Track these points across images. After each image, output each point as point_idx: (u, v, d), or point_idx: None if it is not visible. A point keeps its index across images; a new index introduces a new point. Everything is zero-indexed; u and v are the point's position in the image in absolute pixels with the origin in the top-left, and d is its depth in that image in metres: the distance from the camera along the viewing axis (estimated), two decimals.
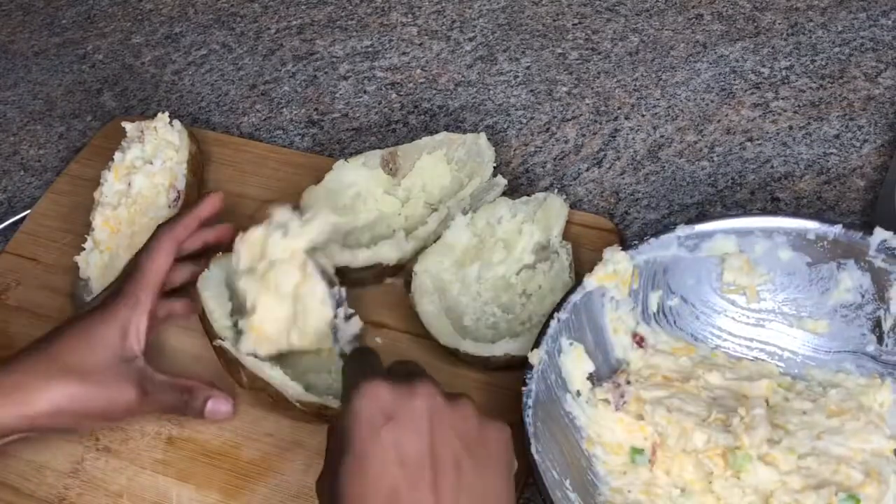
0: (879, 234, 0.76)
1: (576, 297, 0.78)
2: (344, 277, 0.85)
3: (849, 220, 0.77)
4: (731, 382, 0.78)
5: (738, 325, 0.81)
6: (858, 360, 0.78)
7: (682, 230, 0.79)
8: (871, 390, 0.76)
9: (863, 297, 0.78)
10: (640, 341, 0.80)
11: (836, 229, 0.77)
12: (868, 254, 0.76)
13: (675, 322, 0.81)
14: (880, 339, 0.77)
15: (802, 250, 0.79)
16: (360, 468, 0.60)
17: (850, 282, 0.78)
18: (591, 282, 0.78)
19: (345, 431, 0.61)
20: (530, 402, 0.73)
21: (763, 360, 0.80)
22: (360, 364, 0.69)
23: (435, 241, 0.88)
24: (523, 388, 0.73)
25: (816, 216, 0.83)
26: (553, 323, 0.76)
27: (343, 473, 0.60)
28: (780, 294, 0.81)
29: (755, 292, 0.81)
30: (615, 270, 0.79)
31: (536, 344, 0.75)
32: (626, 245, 0.80)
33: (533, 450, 0.70)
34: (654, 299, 0.81)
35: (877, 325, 0.78)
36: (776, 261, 0.80)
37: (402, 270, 0.89)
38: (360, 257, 0.87)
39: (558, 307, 0.77)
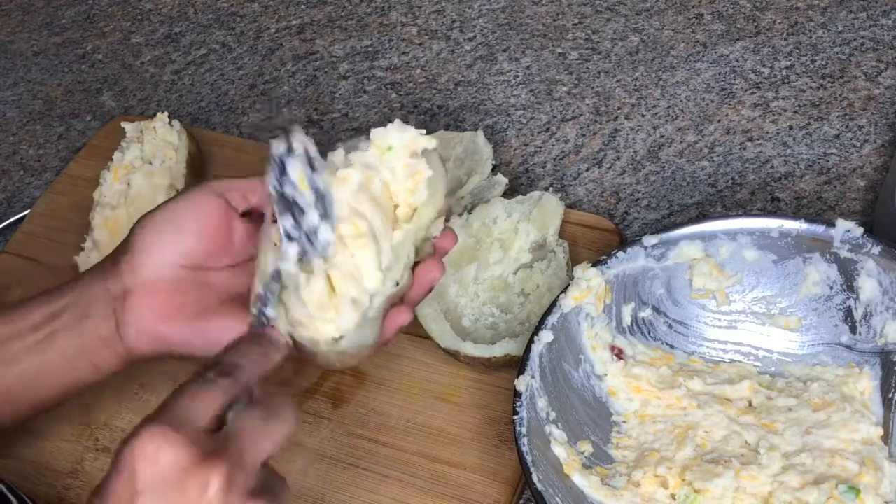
0: (842, 224, 0.76)
1: (552, 319, 0.77)
2: None
3: (850, 219, 0.77)
4: (713, 387, 0.78)
5: (712, 329, 0.81)
6: (834, 351, 0.79)
7: (647, 240, 0.79)
8: (851, 380, 0.77)
9: (831, 288, 0.78)
10: (619, 354, 0.80)
11: (799, 224, 0.78)
12: (833, 245, 0.77)
13: (649, 333, 0.81)
14: (853, 329, 0.78)
15: (767, 248, 0.79)
16: None
17: (818, 275, 0.78)
18: (567, 302, 0.78)
19: (112, 473, 0.53)
20: (524, 430, 0.72)
21: (739, 361, 0.81)
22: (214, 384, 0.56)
23: None
24: (514, 417, 0.73)
25: (780, 214, 0.85)
26: (534, 347, 0.76)
27: None
28: (749, 294, 0.81)
29: (725, 295, 0.81)
30: (588, 287, 0.79)
31: (521, 370, 0.75)
32: (595, 261, 0.79)
33: (535, 479, 0.70)
34: (626, 312, 0.81)
35: (848, 315, 0.78)
36: (742, 262, 0.80)
37: None
38: None
39: (537, 329, 0.77)
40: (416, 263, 0.68)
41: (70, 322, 0.69)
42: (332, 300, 0.64)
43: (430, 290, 0.70)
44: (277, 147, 0.63)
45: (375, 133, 0.67)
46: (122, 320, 0.68)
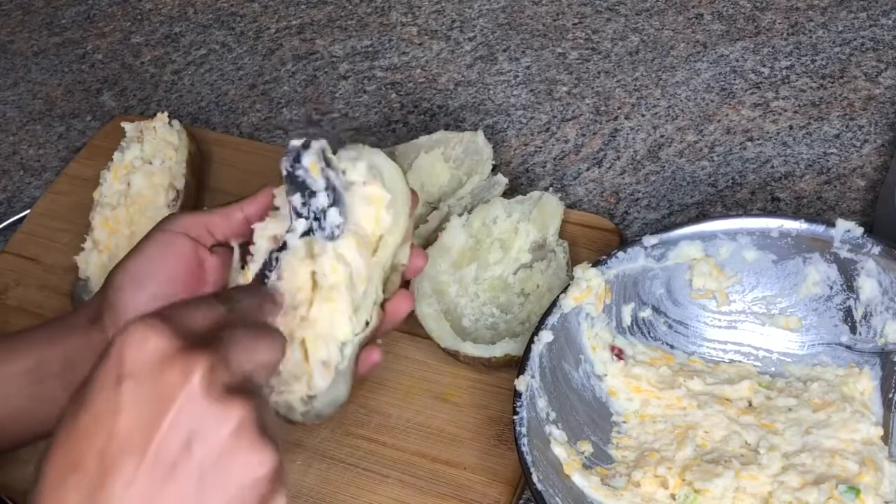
0: (842, 224, 0.77)
1: (552, 319, 0.77)
2: None
3: (850, 219, 0.77)
4: (713, 387, 0.78)
5: (712, 329, 0.81)
6: (834, 351, 0.79)
7: (647, 240, 0.79)
8: (851, 380, 0.77)
9: (831, 288, 0.78)
10: (619, 354, 0.80)
11: (799, 224, 0.78)
12: (833, 245, 0.77)
13: (649, 333, 0.81)
14: (853, 329, 0.78)
15: (767, 248, 0.79)
16: (77, 410, 0.53)
17: (818, 275, 0.79)
18: (567, 303, 0.78)
19: (100, 360, 0.53)
20: (524, 430, 0.72)
21: (739, 361, 0.81)
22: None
23: (436, 241, 0.88)
24: (514, 417, 0.73)
25: (780, 214, 0.85)
26: (534, 347, 0.76)
27: (71, 403, 0.54)
28: (749, 294, 0.81)
29: (725, 295, 0.81)
30: (588, 287, 0.78)
31: (521, 370, 0.75)
32: (595, 261, 0.79)
33: (535, 479, 0.70)
34: (626, 312, 0.81)
35: (848, 315, 0.78)
36: (742, 262, 0.80)
37: None
38: None
39: (537, 329, 0.77)
40: (386, 299, 0.67)
41: (59, 370, 0.70)
42: (304, 366, 0.63)
43: (402, 323, 0.70)
44: (296, 142, 0.64)
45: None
46: None
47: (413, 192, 0.69)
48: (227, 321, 0.57)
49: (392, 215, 0.65)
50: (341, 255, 0.64)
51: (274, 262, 0.64)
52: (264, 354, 0.57)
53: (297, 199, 0.64)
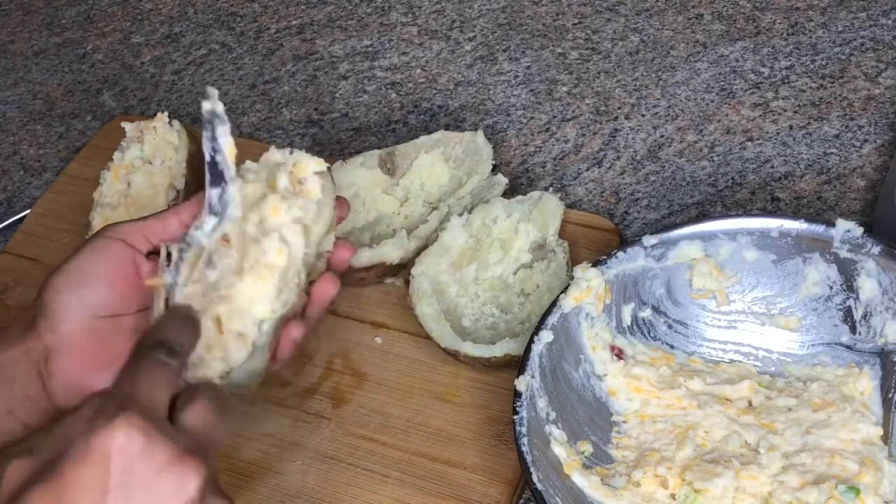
0: (842, 224, 0.77)
1: (552, 319, 0.77)
2: (345, 277, 0.85)
3: (850, 219, 0.77)
4: (713, 387, 0.78)
5: (712, 329, 0.81)
6: (834, 351, 0.79)
7: (647, 240, 0.79)
8: (851, 380, 0.77)
9: (831, 288, 0.78)
10: (619, 354, 0.80)
11: (799, 224, 0.78)
12: (833, 245, 0.77)
13: (649, 332, 0.81)
14: (853, 329, 0.78)
15: (767, 248, 0.79)
16: None
17: (818, 275, 0.79)
18: (567, 303, 0.78)
19: (74, 455, 0.50)
20: (524, 430, 0.72)
21: (739, 361, 0.81)
22: (158, 350, 0.56)
23: (436, 241, 0.88)
24: (514, 417, 0.73)
25: (780, 214, 0.86)
26: (534, 347, 0.76)
27: (37, 495, 0.50)
28: (748, 294, 0.81)
29: (725, 295, 0.81)
30: (588, 287, 0.79)
31: (521, 370, 0.75)
32: (595, 261, 0.79)
33: (535, 479, 0.70)
34: (626, 312, 0.81)
35: (848, 315, 0.78)
36: (742, 262, 0.80)
37: (403, 270, 0.89)
38: (363, 257, 0.87)
39: (537, 329, 0.77)
40: (313, 281, 0.68)
41: None
42: (219, 338, 0.64)
43: (328, 305, 0.70)
44: (208, 105, 0.65)
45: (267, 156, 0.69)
46: (47, 379, 0.68)
47: (342, 200, 0.71)
48: (178, 373, 0.57)
49: (318, 207, 0.67)
50: (285, 238, 0.65)
51: (180, 262, 0.64)
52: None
53: (216, 194, 0.65)
